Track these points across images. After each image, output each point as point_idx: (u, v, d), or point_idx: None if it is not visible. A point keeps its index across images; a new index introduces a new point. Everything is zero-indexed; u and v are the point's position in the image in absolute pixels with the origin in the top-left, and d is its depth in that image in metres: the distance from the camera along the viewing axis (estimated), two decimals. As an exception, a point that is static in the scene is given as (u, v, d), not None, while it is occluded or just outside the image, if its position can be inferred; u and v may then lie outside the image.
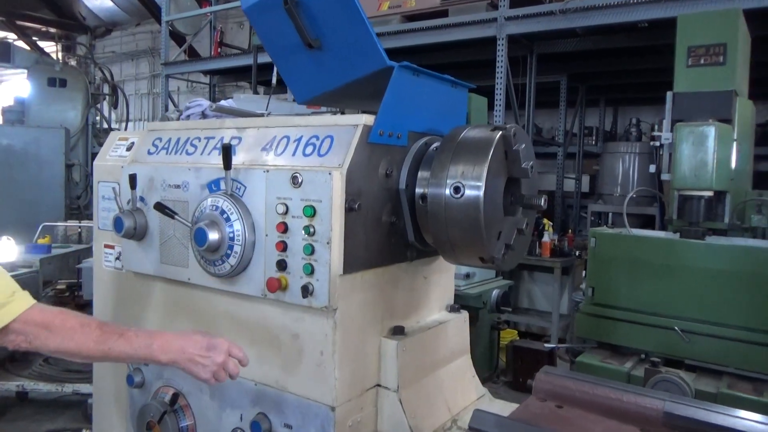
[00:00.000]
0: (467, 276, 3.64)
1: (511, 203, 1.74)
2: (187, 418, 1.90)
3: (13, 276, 1.43)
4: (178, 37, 10.39)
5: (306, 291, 1.53)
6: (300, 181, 1.54)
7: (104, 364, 2.21)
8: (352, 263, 1.56)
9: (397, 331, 1.75)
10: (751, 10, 4.19)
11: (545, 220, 6.28)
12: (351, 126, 1.58)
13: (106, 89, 10.24)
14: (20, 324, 1.33)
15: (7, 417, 4.23)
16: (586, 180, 9.42)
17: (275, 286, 1.58)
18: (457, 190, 1.57)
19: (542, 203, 1.73)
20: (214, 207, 1.67)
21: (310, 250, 1.53)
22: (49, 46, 15.92)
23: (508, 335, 5.12)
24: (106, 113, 10.46)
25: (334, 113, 2.08)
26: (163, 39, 9.28)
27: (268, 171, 1.62)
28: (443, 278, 2.04)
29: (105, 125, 10.17)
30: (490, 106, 6.02)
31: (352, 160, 1.53)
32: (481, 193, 1.53)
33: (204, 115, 2.05)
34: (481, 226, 1.55)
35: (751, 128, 3.40)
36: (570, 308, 6.29)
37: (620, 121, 10.46)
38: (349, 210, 1.52)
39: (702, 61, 3.01)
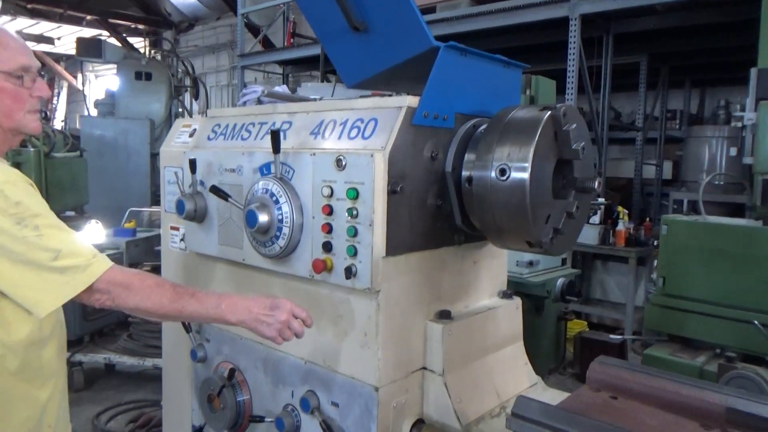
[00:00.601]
0: (531, 264, 3.55)
1: (563, 186, 1.68)
2: (244, 393, 1.99)
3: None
4: (254, 29, 10.73)
5: (349, 272, 1.56)
6: (344, 163, 1.56)
7: (171, 340, 2.35)
8: (395, 246, 1.57)
9: (444, 315, 1.75)
10: None
11: (620, 208, 6.01)
12: (395, 108, 1.58)
13: (187, 82, 10.75)
14: (103, 284, 1.44)
15: (95, 387, 4.59)
16: (668, 166, 8.89)
17: (321, 267, 1.61)
18: (502, 172, 1.53)
19: (596, 186, 1.66)
20: (265, 190, 1.72)
21: (354, 232, 1.55)
22: (138, 42, 16.91)
23: (577, 326, 4.96)
24: (188, 104, 10.99)
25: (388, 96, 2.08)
26: (239, 31, 9.60)
27: (314, 154, 1.65)
28: (495, 263, 2.00)
29: (187, 116, 10.70)
30: (561, 90, 5.80)
31: (395, 142, 1.53)
32: (527, 175, 1.49)
33: (259, 101, 2.11)
34: (527, 209, 1.51)
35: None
36: (646, 300, 6.00)
37: (708, 103, 9.77)
38: (391, 192, 1.53)
39: (792, 34, 2.77)
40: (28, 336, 1.47)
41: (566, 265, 4.04)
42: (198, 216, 2.03)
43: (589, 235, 5.75)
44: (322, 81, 7.61)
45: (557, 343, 4.32)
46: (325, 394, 1.73)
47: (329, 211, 1.60)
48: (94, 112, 9.71)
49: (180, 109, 10.49)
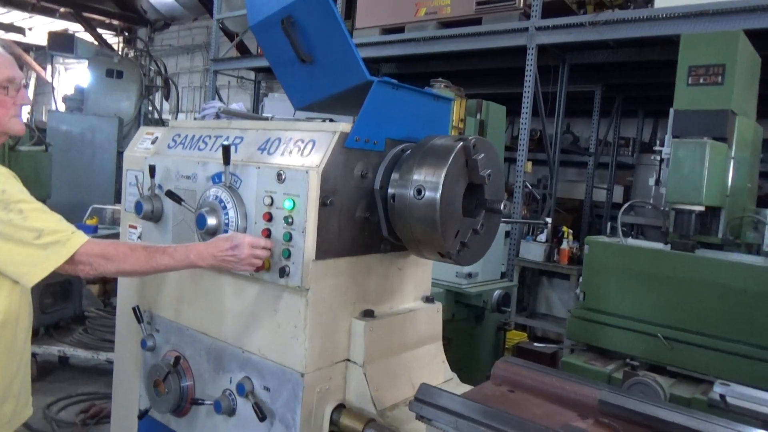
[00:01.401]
0: (469, 275, 3.83)
1: (475, 206, 1.95)
2: (188, 379, 2.19)
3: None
4: (230, 34, 10.90)
5: (283, 272, 1.79)
6: (283, 177, 1.80)
7: (123, 331, 2.54)
8: (324, 250, 1.81)
9: (367, 314, 1.99)
10: (756, 31, 4.24)
11: (565, 228, 6.37)
12: (330, 132, 1.83)
13: (159, 81, 10.83)
14: (83, 256, 1.67)
15: (49, 379, 4.68)
16: (620, 191, 9.37)
17: (259, 268, 1.84)
18: (419, 191, 1.80)
19: (501, 207, 1.93)
20: (215, 196, 1.95)
21: (289, 237, 1.79)
22: (111, 37, 16.84)
23: (517, 337, 5.26)
24: (158, 104, 11.07)
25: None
26: (213, 36, 9.76)
27: (259, 168, 1.88)
28: (419, 271, 2.26)
29: (156, 116, 10.77)
30: (515, 113, 6.15)
31: (327, 162, 1.78)
32: (438, 195, 1.76)
33: (218, 116, 2.33)
34: (438, 224, 1.77)
35: (753, 148, 3.46)
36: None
37: (660, 133, 10.33)
38: (322, 204, 1.77)
39: (701, 81, 3.11)
40: (6, 309, 1.69)
41: (505, 279, 4.33)
42: (155, 216, 2.24)
43: (536, 252, 6.10)
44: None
45: (496, 352, 4.60)
46: (259, 379, 1.95)
47: (269, 217, 1.84)
48: (62, 107, 9.71)
49: (150, 108, 10.57)
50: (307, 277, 1.78)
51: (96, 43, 14.81)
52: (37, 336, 4.57)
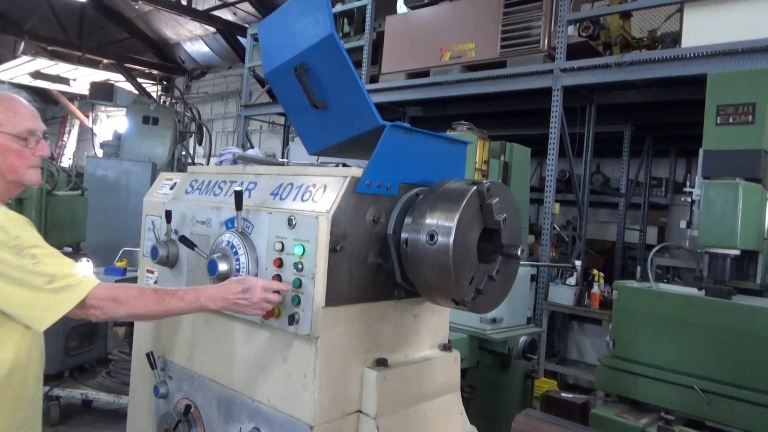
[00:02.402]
0: (494, 320, 3.71)
1: (492, 251, 1.89)
2: (198, 428, 2.14)
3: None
4: (262, 81, 11.22)
5: (292, 319, 1.75)
6: (294, 223, 1.78)
7: (138, 377, 2.52)
8: (335, 297, 1.77)
9: (380, 363, 1.92)
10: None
11: (595, 271, 6.19)
12: (341, 177, 1.81)
13: (193, 127, 11.16)
14: (93, 300, 1.66)
15: (71, 422, 4.68)
16: (653, 232, 9.12)
17: (269, 314, 1.80)
18: (431, 236, 1.75)
19: (519, 253, 1.87)
20: (227, 242, 1.94)
21: (299, 284, 1.75)
22: (151, 86, 17.55)
23: (546, 385, 5.05)
24: (191, 149, 11.37)
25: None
26: (244, 83, 10.06)
27: (270, 213, 1.87)
28: (436, 318, 2.19)
29: (190, 160, 11.05)
30: (535, 154, 6.08)
31: (338, 207, 1.75)
32: (451, 240, 1.71)
33: (234, 162, 2.35)
34: (451, 270, 1.71)
35: (790, 187, 3.32)
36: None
37: (693, 172, 10.09)
38: (332, 250, 1.74)
39: (731, 120, 3.02)
40: (15, 356, 1.68)
41: (531, 324, 4.19)
42: (170, 262, 2.24)
43: (566, 296, 5.92)
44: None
45: (524, 401, 4.41)
46: (268, 430, 1.89)
47: (279, 263, 1.81)
48: (100, 153, 10.06)
49: (183, 153, 10.87)
50: (317, 325, 1.73)
51: (136, 91, 15.45)
52: (61, 379, 4.60)
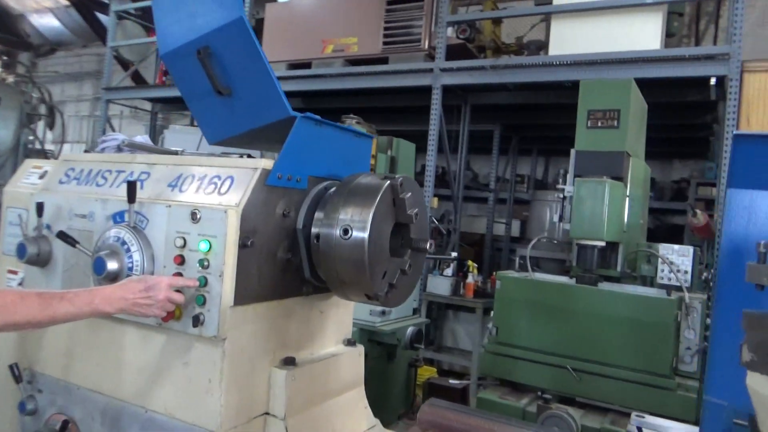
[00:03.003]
0: (383, 313, 3.77)
1: (401, 245, 1.90)
2: (78, 446, 1.92)
3: None
4: (124, 63, 10.34)
5: (197, 321, 1.63)
6: (198, 217, 1.65)
7: (-1, 390, 2.20)
8: (243, 296, 1.67)
9: (288, 362, 1.85)
10: (648, 80, 4.71)
11: (470, 262, 6.53)
12: (251, 169, 1.71)
13: (43, 110, 10.01)
14: None
15: None
16: (517, 225, 9.82)
17: (169, 315, 1.66)
18: (345, 231, 1.71)
19: (428, 247, 1.89)
20: (116, 238, 1.75)
21: (204, 282, 1.63)
22: (-12, 61, 15.46)
23: (427, 372, 5.24)
24: (41, 134, 10.21)
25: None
26: (107, 64, 9.21)
27: (170, 206, 1.72)
28: (340, 313, 2.16)
29: (39, 146, 9.91)
30: (424, 150, 6.28)
31: (248, 200, 1.66)
32: (367, 235, 1.68)
33: (119, 149, 2.13)
34: (366, 265, 1.69)
35: (644, 186, 3.74)
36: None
37: (551, 170, 11.02)
38: (242, 246, 1.64)
39: (599, 124, 3.33)
40: None
41: (417, 315, 4.31)
42: (41, 260, 1.98)
43: (443, 286, 6.18)
44: (192, 124, 7.51)
45: (407, 389, 4.54)
46: (165, 442, 1.74)
47: (181, 260, 1.67)
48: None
49: (31, 138, 9.72)
50: (224, 326, 1.62)
51: (-31, 65, 13.51)
52: None
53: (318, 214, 1.85)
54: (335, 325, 2.14)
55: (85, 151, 2.28)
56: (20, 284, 2.12)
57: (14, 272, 2.16)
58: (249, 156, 1.91)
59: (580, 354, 3.16)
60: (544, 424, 2.90)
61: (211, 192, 1.72)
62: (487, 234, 8.90)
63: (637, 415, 2.04)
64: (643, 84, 3.82)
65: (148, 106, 10.61)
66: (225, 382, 1.65)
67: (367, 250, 1.68)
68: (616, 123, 3.28)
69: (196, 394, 1.69)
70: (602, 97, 3.35)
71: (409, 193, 1.81)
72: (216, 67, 1.81)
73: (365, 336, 3.80)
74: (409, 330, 3.89)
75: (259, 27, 7.73)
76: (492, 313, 3.58)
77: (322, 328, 2.07)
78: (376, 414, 2.25)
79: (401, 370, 4.32)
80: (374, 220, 1.71)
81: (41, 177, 2.15)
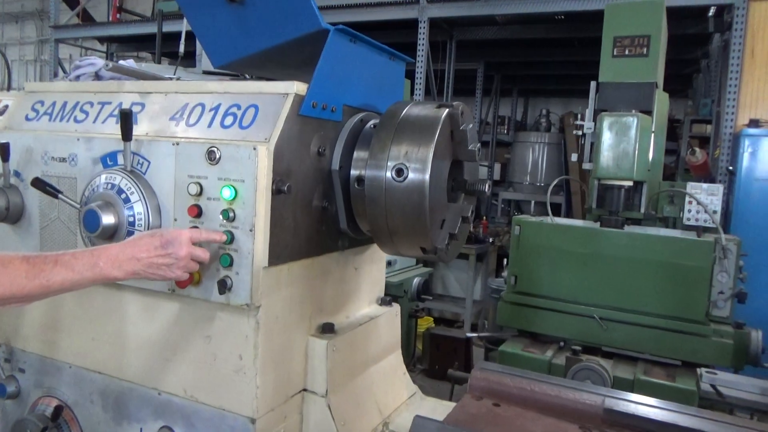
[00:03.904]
0: (389, 264, 3.50)
1: (453, 189, 1.60)
2: (74, 434, 1.62)
3: None
4: (70, 1, 9.43)
5: (223, 286, 1.31)
6: (218, 156, 1.30)
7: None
8: (278, 254, 1.35)
9: (327, 329, 1.57)
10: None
11: (462, 207, 6.29)
12: (280, 95, 1.36)
13: (-18, 52, 9.11)
14: None
15: None
16: (498, 168, 9.62)
17: (186, 281, 1.33)
18: (399, 172, 1.40)
19: (486, 189, 1.60)
20: (110, 185, 1.39)
21: (230, 239, 1.30)
22: None
23: (425, 323, 5.07)
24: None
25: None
26: (52, 1, 8.35)
27: (178, 144, 1.36)
28: (374, 269, 1.87)
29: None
30: (410, 90, 5.91)
31: (281, 135, 1.31)
32: (427, 176, 1.37)
33: (98, 77, 1.73)
34: (426, 213, 1.39)
35: (666, 121, 3.50)
36: (484, 294, 6.37)
37: (530, 111, 10.77)
38: (277, 192, 1.31)
39: (627, 52, 3.03)
40: None
41: (419, 264, 4.07)
42: (11, 216, 1.61)
43: (434, 233, 5.94)
44: (157, 63, 6.88)
45: (408, 341, 4.35)
46: (185, 429, 1.45)
47: (197, 212, 1.33)
48: None
49: (-29, 83, 8.86)
50: (258, 291, 1.31)
51: None
52: None
53: (359, 153, 1.52)
54: (370, 283, 1.85)
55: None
56: (-15, 246, 1.74)
57: (-24, 231, 1.77)
58: (263, 79, 1.55)
59: (606, 302, 2.97)
60: (574, 377, 2.72)
61: (230, 125, 1.37)
62: (471, 178, 8.66)
63: (707, 371, 1.85)
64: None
65: (101, 48, 9.79)
66: (260, 359, 1.35)
67: (428, 194, 1.37)
68: (645, 51, 2.99)
69: (224, 373, 1.39)
70: (631, 22, 3.03)
71: (471, 125, 1.49)
72: (226, -35, 1.41)
73: (369, 288, 3.53)
74: (416, 281, 3.66)
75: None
76: (505, 261, 3.34)
77: (357, 288, 1.77)
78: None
79: (403, 321, 4.11)
80: (434, 158, 1.39)
81: (1, 113, 1.74)
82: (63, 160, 1.53)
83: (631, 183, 3.03)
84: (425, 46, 5.93)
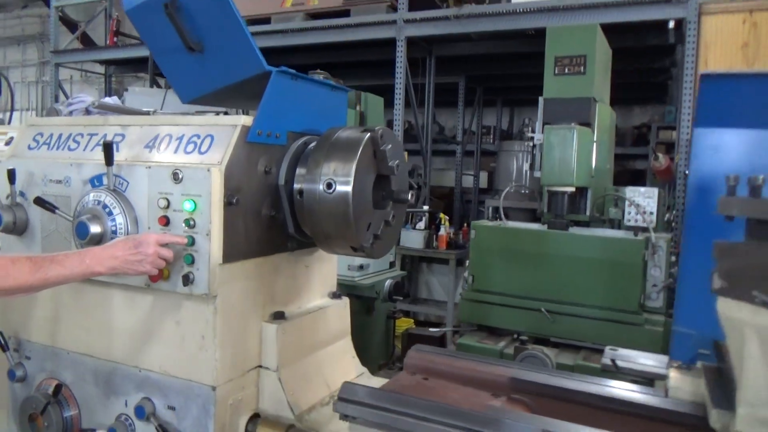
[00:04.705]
0: (361, 267, 3.83)
1: (382, 198, 1.93)
2: (71, 408, 1.94)
3: None
4: (70, 24, 9.83)
5: (187, 279, 1.64)
6: (181, 177, 1.64)
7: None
8: (231, 253, 1.69)
9: (278, 316, 1.90)
10: (609, 25, 4.78)
11: (442, 215, 6.62)
12: (230, 126, 1.70)
13: (-14, 76, 9.52)
14: None
15: None
16: (485, 177, 9.94)
17: (158, 276, 1.67)
18: (329, 186, 1.73)
19: (409, 197, 1.93)
20: (96, 201, 1.73)
21: (192, 241, 1.64)
22: None
23: (405, 324, 5.39)
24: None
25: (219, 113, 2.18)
26: (52, 25, 8.76)
27: (150, 167, 1.70)
28: (325, 267, 2.20)
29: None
30: (390, 104, 6.25)
31: (230, 158, 1.65)
32: (350, 188, 1.71)
33: (87, 112, 2.08)
34: (351, 218, 1.72)
35: (610, 131, 3.83)
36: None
37: (516, 121, 11.11)
38: (228, 204, 1.64)
39: (566, 71, 3.37)
40: None
41: (394, 268, 4.39)
42: (17, 229, 1.95)
43: (416, 240, 6.27)
44: (152, 86, 7.26)
45: (387, 341, 4.66)
46: (161, 399, 1.77)
47: (166, 221, 1.67)
48: None
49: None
50: (214, 283, 1.64)
51: None
52: None
53: (300, 170, 1.85)
54: (321, 279, 2.18)
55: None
56: (-4, 254, 2.08)
57: (-11, 242, 2.11)
58: (226, 113, 1.89)
59: (554, 296, 3.29)
60: (522, 363, 3.03)
61: (191, 151, 1.71)
62: (456, 187, 9.00)
63: (610, 349, 2.16)
64: (605, 29, 3.86)
65: (100, 69, 10.18)
66: (218, 338, 1.68)
67: (352, 203, 1.71)
68: (582, 69, 3.33)
69: (190, 351, 1.71)
70: (569, 43, 3.37)
71: (390, 145, 1.83)
72: (186, 22, 1.76)
73: (344, 291, 3.83)
74: (387, 282, 3.97)
75: (214, -19, 7.43)
76: (467, 262, 3.67)
77: (308, 282, 2.10)
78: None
79: (380, 322, 4.43)
80: (357, 172, 1.73)
81: (7, 144, 2.09)
82: (59, 182, 1.87)
83: (573, 189, 3.36)
84: (403, 62, 6.28)
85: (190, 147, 1.72)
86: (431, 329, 4.27)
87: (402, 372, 2.07)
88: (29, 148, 2.02)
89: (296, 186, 1.85)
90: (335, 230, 1.77)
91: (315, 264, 2.13)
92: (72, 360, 1.95)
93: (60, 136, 1.98)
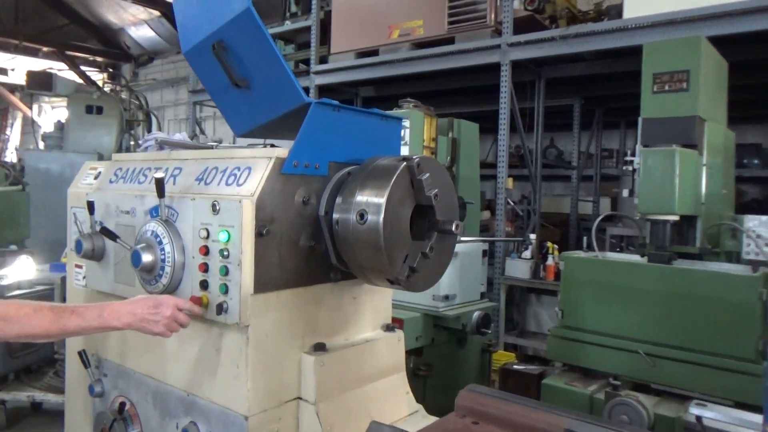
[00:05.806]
0: (446, 298, 3.71)
1: (427, 228, 1.85)
2: (135, 426, 2.07)
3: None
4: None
5: (220, 308, 1.69)
6: (218, 208, 1.70)
7: (72, 377, 2.41)
8: (264, 283, 1.70)
9: (318, 348, 1.88)
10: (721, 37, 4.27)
11: (549, 243, 6.27)
12: (266, 158, 1.74)
13: (141, 116, 10.79)
14: None
15: (20, 425, 4.51)
16: (606, 202, 9.30)
17: (198, 304, 1.73)
18: (361, 216, 1.70)
19: (453, 228, 1.83)
20: (151, 231, 1.85)
21: (225, 271, 1.68)
22: (96, 74, 16.90)
23: (504, 358, 5.12)
24: (143, 138, 11.00)
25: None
26: (191, 70, 9.74)
27: (194, 199, 1.79)
28: (377, 298, 2.15)
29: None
30: (489, 131, 6.09)
31: (262, 189, 1.68)
32: (381, 218, 1.66)
33: (160, 147, 2.25)
34: (382, 249, 1.67)
35: (726, 153, 3.39)
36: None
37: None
38: (258, 235, 1.67)
39: (666, 88, 3.05)
40: None
41: (485, 299, 4.21)
42: (96, 255, 2.13)
43: (521, 269, 5.99)
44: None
45: (482, 375, 4.46)
46: (204, 424, 1.82)
47: (206, 251, 1.73)
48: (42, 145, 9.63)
49: (132, 143, 10.50)
50: (246, 313, 1.67)
51: (79, 80, 14.83)
52: (6, 382, 4.41)
53: (338, 200, 1.84)
54: (372, 311, 2.13)
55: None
56: (84, 277, 2.29)
57: (80, 266, 2.34)
58: (272, 145, 1.94)
59: (655, 338, 2.94)
60: (611, 412, 2.73)
61: (231, 183, 1.76)
62: (572, 213, 8.51)
63: (697, 403, 1.87)
64: (721, 42, 3.46)
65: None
66: (250, 367, 1.70)
67: (383, 234, 1.66)
68: (685, 85, 2.99)
69: (227, 379, 1.75)
70: (668, 59, 3.06)
71: (428, 174, 1.76)
72: (232, 61, 1.84)
73: (430, 321, 3.76)
74: (475, 314, 3.81)
75: (328, 18, 7.83)
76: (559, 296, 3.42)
77: (356, 314, 2.07)
78: (445, 399, 2.21)
79: (473, 356, 4.25)
80: (389, 202, 1.67)
81: (96, 177, 2.31)
82: (127, 212, 2.03)
83: (676, 217, 3.01)
84: (508, 87, 6.11)
85: (231, 179, 1.77)
86: (529, 366, 4.00)
87: (450, 414, 1.95)
88: (110, 182, 2.22)
89: (334, 216, 1.84)
90: (368, 261, 1.73)
91: (365, 296, 2.09)
92: (137, 380, 2.08)
93: (134, 170, 2.15)
